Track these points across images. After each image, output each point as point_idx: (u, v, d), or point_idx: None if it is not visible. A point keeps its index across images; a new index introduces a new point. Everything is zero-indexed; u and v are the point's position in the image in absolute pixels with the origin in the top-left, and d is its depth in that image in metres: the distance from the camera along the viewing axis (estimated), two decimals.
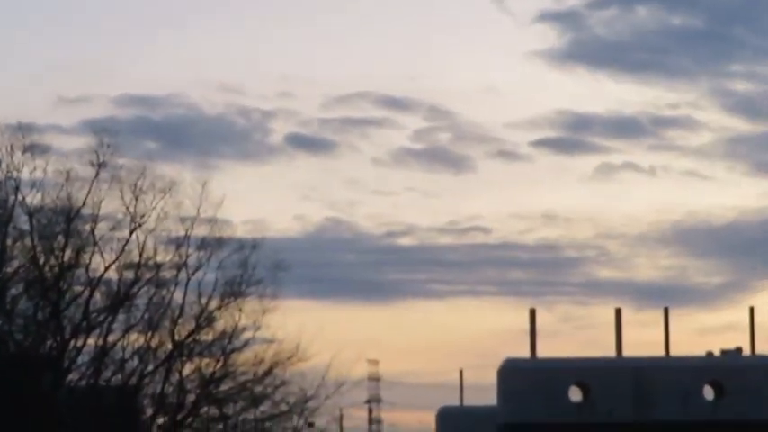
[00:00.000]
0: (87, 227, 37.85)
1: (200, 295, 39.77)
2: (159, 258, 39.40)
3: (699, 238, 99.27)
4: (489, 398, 42.20)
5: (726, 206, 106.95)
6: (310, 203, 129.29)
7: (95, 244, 37.94)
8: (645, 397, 38.20)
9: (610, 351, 39.18)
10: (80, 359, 37.65)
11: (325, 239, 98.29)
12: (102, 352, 38.03)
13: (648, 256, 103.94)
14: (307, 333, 41.12)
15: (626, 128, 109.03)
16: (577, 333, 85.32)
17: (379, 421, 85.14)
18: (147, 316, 39.03)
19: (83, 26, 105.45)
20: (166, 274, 39.53)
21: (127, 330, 38.90)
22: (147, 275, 38.64)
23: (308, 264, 75.03)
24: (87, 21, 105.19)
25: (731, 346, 41.13)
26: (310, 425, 43.94)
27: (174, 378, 39.91)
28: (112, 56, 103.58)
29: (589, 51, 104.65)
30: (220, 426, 42.34)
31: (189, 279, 39.92)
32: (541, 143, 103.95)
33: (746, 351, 40.38)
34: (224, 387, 40.71)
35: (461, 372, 58.14)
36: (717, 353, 40.93)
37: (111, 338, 38.38)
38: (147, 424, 40.13)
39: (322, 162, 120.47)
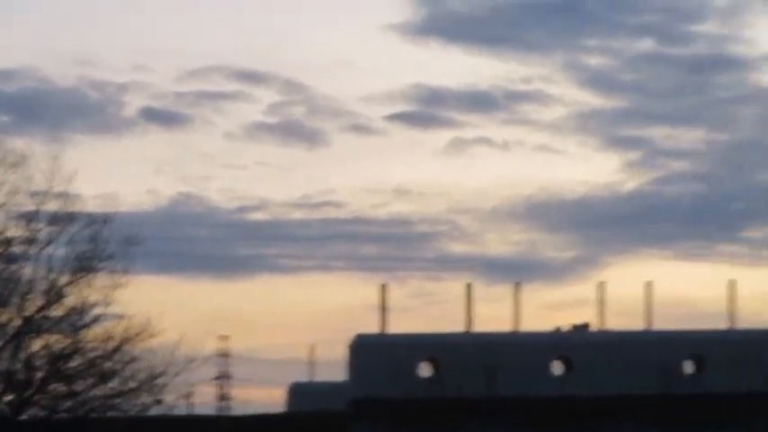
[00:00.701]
0: None
1: (50, 271, 39.14)
2: (9, 233, 38.82)
3: (550, 213, 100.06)
4: (341, 374, 42.52)
5: (577, 181, 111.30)
6: (163, 177, 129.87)
7: None
8: (494, 372, 38.98)
9: (461, 326, 39.79)
10: None
11: (177, 214, 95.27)
12: None
13: (500, 230, 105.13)
14: (157, 308, 40.37)
15: (480, 102, 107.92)
16: (429, 308, 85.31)
17: (229, 398, 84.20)
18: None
19: None
20: (16, 249, 38.94)
21: None
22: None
23: (160, 238, 72.79)
24: None
25: (581, 321, 42.29)
26: (159, 402, 43.33)
27: (23, 355, 39.38)
28: None
29: (444, 25, 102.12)
30: (69, 403, 41.71)
31: (39, 254, 39.42)
32: (396, 117, 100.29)
33: (595, 326, 41.64)
34: (73, 364, 39.42)
35: (312, 347, 59.38)
36: (566, 328, 42.10)
37: None
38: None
39: (175, 136, 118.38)
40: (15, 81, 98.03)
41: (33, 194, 39.15)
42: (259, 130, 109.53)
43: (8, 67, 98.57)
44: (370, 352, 39.53)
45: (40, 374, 39.49)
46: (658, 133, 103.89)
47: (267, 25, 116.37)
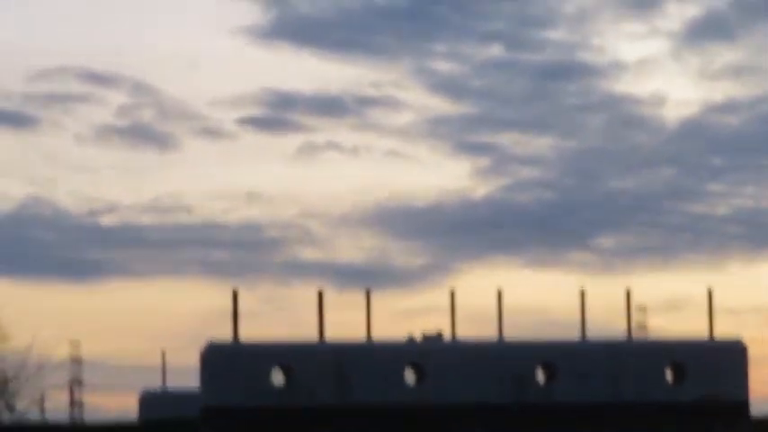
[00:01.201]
0: None
1: None
2: None
3: (400, 219, 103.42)
4: (193, 381, 42.27)
5: (428, 187, 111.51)
6: (11, 180, 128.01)
7: None
8: (346, 380, 39.12)
9: (312, 333, 39.84)
10: None
11: (25, 217, 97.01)
12: None
13: (351, 236, 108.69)
14: (7, 313, 39.88)
15: (330, 107, 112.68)
16: (280, 315, 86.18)
17: (81, 404, 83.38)
18: None
19: None
20: None
21: None
22: None
23: (9, 242, 74.56)
24: None
25: (432, 328, 42.78)
26: (10, 408, 42.78)
27: None
28: None
29: (293, 29, 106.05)
30: None
31: None
32: (245, 121, 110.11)
33: (447, 334, 42.19)
34: None
35: (163, 354, 59.60)
36: (418, 336, 42.58)
37: None
38: None
39: (23, 138, 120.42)
40: None
41: None
42: (109, 133, 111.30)
43: None
44: (222, 359, 39.24)
45: None
46: (508, 140, 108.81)
47: (116, 25, 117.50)
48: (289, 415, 38.99)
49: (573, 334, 42.32)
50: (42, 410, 56.43)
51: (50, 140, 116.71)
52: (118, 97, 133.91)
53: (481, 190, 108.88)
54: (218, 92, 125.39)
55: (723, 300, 45.80)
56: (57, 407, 66.21)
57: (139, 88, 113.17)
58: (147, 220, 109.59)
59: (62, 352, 64.33)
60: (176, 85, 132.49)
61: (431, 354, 41.22)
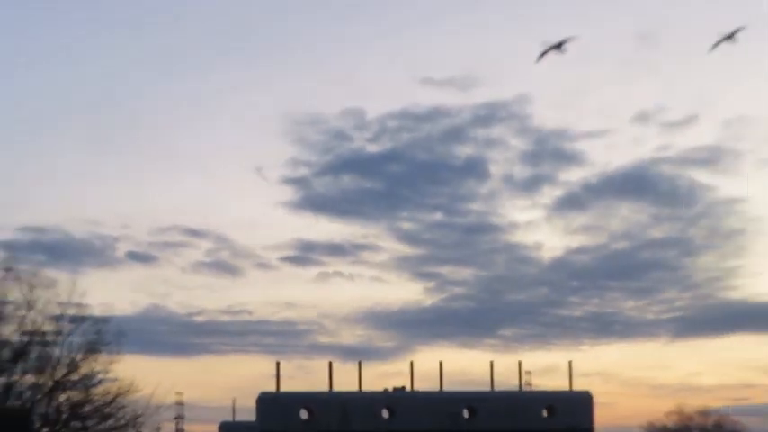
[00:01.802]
0: None
1: (70, 351, 60.81)
2: (44, 328, 60.24)
3: (380, 319, 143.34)
4: (252, 416, 66.48)
5: (396, 299, 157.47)
6: (140, 294, 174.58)
7: (2, 319, 58.61)
8: (347, 416, 62.77)
9: (325, 387, 64.00)
10: None
11: (150, 316, 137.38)
12: (8, 387, 58.57)
13: (349, 329, 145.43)
14: (138, 376, 63.18)
15: (335, 250, 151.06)
16: (306, 377, 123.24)
17: (183, 430, 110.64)
18: (36, 364, 59.76)
19: None
20: (49, 338, 60.37)
21: (24, 373, 59.46)
22: (37, 339, 59.61)
23: (139, 332, 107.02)
24: None
25: (399, 384, 66.91)
26: None
27: (54, 403, 60.50)
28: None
29: (313, 203, 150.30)
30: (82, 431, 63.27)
31: (64, 341, 61.05)
32: (284, 259, 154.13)
33: (408, 388, 66.18)
34: (85, 409, 61.54)
35: (234, 400, 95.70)
36: (390, 389, 66.73)
37: (14, 378, 58.92)
38: None
39: (148, 269, 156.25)
40: (48, 234, 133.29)
41: (59, 304, 61.34)
42: (200, 266, 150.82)
43: (43, 225, 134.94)
44: (269, 403, 62.37)
45: (64, 416, 61.30)
46: (446, 270, 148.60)
47: (205, 200, 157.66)
48: None
49: (486, 387, 66.23)
50: None
51: (164, 271, 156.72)
52: (206, 244, 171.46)
53: (429, 301, 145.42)
54: (267, 241, 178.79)
55: (578, 368, 69.61)
56: None
57: (219, 239, 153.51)
58: (224, 318, 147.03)
59: (171, 398, 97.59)
60: (242, 237, 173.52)
61: (398, 399, 64.69)
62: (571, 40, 50.65)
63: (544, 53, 51.45)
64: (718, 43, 50.75)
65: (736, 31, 50.01)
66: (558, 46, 51.35)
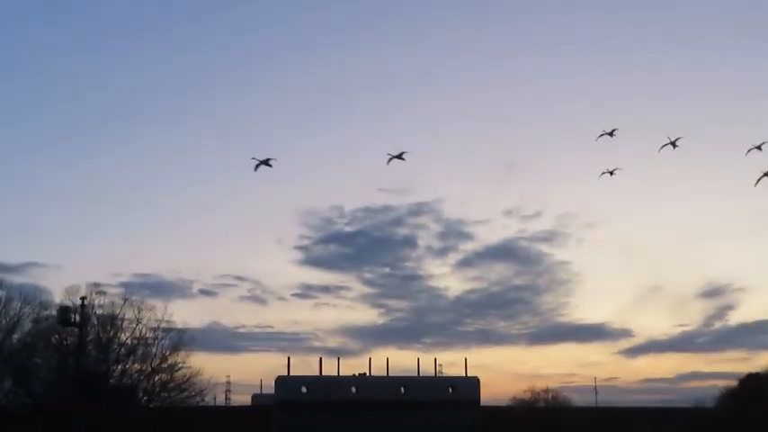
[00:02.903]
0: (118, 323, 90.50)
1: (163, 349, 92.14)
2: (147, 335, 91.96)
3: (352, 332, 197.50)
4: (272, 390, 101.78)
5: (362, 319, 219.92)
6: (204, 315, 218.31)
7: (121, 329, 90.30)
8: (331, 390, 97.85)
9: (316, 373, 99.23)
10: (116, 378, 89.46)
11: (208, 331, 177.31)
12: (123, 372, 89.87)
13: (333, 338, 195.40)
14: (203, 365, 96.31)
15: (325, 289, 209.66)
16: (306, 367, 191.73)
17: (229, 400, 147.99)
18: (141, 357, 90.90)
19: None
20: (149, 341, 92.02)
21: (133, 363, 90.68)
22: (142, 342, 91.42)
23: (203, 341, 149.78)
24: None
25: (362, 371, 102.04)
26: (203, 399, 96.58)
27: (151, 382, 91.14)
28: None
29: (312, 260, 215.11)
30: (168, 400, 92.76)
31: (158, 343, 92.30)
32: (294, 294, 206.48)
33: (368, 374, 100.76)
34: (170, 386, 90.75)
35: (261, 381, 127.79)
36: (358, 374, 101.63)
37: (127, 366, 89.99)
38: (141, 402, 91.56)
39: (210, 301, 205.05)
40: (150, 277, 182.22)
41: (156, 320, 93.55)
42: (245, 300, 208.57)
43: (147, 272, 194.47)
44: (284, 382, 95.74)
45: (157, 389, 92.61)
46: (391, 302, 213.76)
47: (247, 258, 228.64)
48: (310, 405, 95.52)
49: (414, 374, 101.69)
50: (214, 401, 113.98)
51: (221, 301, 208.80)
52: (247, 285, 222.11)
53: (381, 321, 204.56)
54: (283, 283, 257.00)
55: (470, 362, 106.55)
56: (218, 401, 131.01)
57: (255, 282, 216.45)
58: (256, 330, 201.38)
59: (223, 379, 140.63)
60: (269, 281, 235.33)
61: (362, 381, 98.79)
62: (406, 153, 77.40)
63: (391, 159, 77.59)
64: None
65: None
66: (400, 155, 77.58)
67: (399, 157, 77.03)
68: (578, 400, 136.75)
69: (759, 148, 77.27)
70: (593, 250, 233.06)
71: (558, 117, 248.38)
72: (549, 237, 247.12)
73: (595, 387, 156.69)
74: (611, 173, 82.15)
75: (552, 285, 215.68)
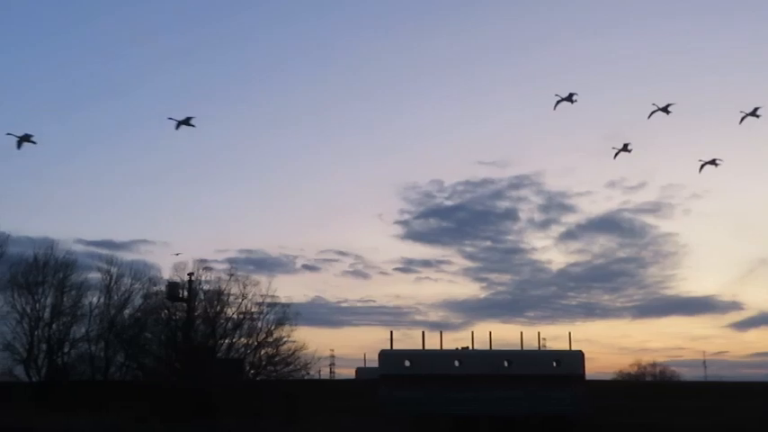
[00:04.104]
0: (224, 298, 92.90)
1: (267, 324, 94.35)
2: (252, 310, 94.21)
3: (454, 306, 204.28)
4: (375, 365, 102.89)
5: (463, 293, 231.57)
6: (311, 289, 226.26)
7: (227, 304, 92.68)
8: (431, 364, 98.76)
9: (419, 347, 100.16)
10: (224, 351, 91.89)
11: (312, 304, 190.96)
12: (230, 346, 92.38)
13: (435, 313, 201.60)
14: (307, 339, 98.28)
15: (426, 264, 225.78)
16: (408, 341, 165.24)
17: (334, 373, 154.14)
18: (247, 332, 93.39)
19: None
20: (255, 316, 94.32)
21: (239, 338, 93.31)
22: (248, 316, 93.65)
23: (308, 315, 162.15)
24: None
25: (464, 346, 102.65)
26: (308, 372, 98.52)
27: (257, 356, 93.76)
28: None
29: (413, 235, 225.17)
30: (275, 373, 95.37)
31: (264, 318, 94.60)
32: (396, 268, 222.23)
33: (470, 348, 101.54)
34: (276, 359, 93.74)
35: (365, 354, 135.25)
36: (460, 347, 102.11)
37: (234, 340, 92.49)
38: (248, 375, 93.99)
39: (314, 275, 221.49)
40: (255, 253, 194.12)
41: (261, 296, 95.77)
42: (347, 273, 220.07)
43: (252, 248, 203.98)
44: (387, 356, 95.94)
45: (263, 363, 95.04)
46: (493, 276, 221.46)
47: (350, 233, 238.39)
48: (413, 378, 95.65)
49: (518, 348, 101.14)
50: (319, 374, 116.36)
51: (324, 276, 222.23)
52: (349, 260, 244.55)
53: (482, 295, 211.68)
54: (385, 258, 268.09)
55: (574, 336, 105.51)
56: (322, 375, 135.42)
57: (357, 257, 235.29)
58: (359, 305, 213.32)
59: (327, 353, 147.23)
60: (371, 256, 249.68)
61: (464, 355, 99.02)
62: (576, 95, 73.96)
63: (558, 102, 73.54)
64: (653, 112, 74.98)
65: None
66: (569, 98, 73.61)
67: (569, 99, 73.19)
68: (686, 374, 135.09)
69: None
70: (700, 221, 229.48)
71: (662, 86, 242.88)
72: (654, 208, 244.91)
73: (704, 361, 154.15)
74: (714, 163, 76.89)
75: (658, 257, 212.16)
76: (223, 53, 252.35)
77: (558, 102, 71.60)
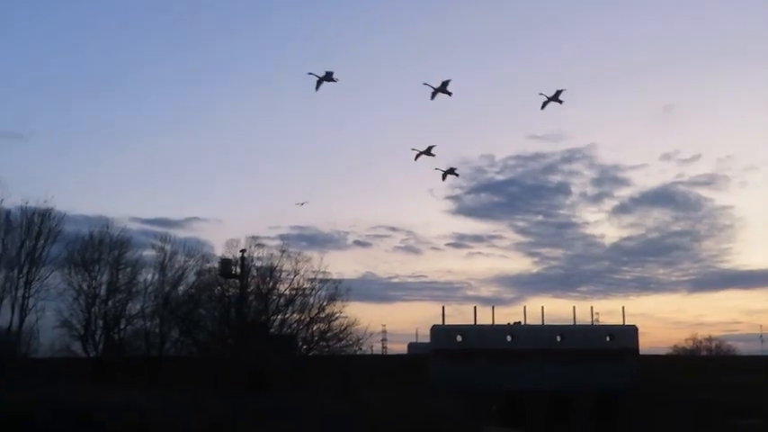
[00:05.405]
0: (277, 275, 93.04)
1: (319, 300, 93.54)
2: (304, 286, 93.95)
3: (506, 281, 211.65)
4: (427, 339, 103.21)
5: (515, 268, 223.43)
6: (360, 266, 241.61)
7: (279, 281, 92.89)
8: (483, 340, 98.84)
9: (470, 322, 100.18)
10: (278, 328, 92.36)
11: (362, 280, 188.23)
12: (282, 322, 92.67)
13: (486, 288, 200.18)
14: (359, 315, 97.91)
15: (478, 239, 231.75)
16: (459, 316, 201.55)
17: (386, 348, 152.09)
18: (299, 308, 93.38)
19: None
20: (307, 292, 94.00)
21: (292, 313, 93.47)
22: (300, 292, 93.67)
23: (358, 290, 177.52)
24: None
25: (517, 320, 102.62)
26: (360, 347, 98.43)
27: (309, 331, 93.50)
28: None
29: (464, 210, 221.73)
30: (327, 348, 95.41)
31: (315, 294, 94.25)
32: (449, 244, 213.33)
33: (523, 323, 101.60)
34: (328, 335, 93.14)
35: (417, 329, 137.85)
36: (512, 322, 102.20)
37: (286, 316, 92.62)
38: (300, 351, 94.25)
39: (364, 251, 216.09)
40: (307, 230, 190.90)
41: (313, 272, 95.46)
42: (398, 249, 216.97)
43: (304, 225, 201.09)
44: (439, 331, 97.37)
45: (315, 338, 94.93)
46: (545, 251, 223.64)
47: (401, 209, 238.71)
48: (465, 353, 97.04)
49: (570, 322, 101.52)
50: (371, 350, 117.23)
51: (375, 251, 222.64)
52: (400, 235, 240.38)
53: (535, 270, 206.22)
54: (437, 233, 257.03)
55: (628, 311, 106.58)
56: (374, 350, 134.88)
57: (408, 232, 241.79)
58: (410, 280, 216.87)
59: (379, 329, 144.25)
60: (422, 231, 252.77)
61: (516, 330, 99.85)
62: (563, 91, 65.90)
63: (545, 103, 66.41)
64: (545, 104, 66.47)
65: (559, 92, 65.70)
66: (556, 97, 65.91)
67: (556, 98, 67.05)
68: (743, 348, 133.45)
69: None
70: (756, 194, 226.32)
71: (717, 55, 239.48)
72: (709, 180, 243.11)
73: (761, 335, 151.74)
74: (557, 99, 69.60)
75: (713, 231, 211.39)
76: (259, 20, 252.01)
77: (546, 102, 67.36)
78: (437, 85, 66.25)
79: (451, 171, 78.13)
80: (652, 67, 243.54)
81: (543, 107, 67.10)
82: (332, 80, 65.13)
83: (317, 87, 64.63)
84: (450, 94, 66.80)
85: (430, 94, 66.88)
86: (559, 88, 66.94)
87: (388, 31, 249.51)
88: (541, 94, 66.84)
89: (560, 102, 67.28)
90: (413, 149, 73.32)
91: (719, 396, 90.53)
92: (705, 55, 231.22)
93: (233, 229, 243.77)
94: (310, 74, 65.15)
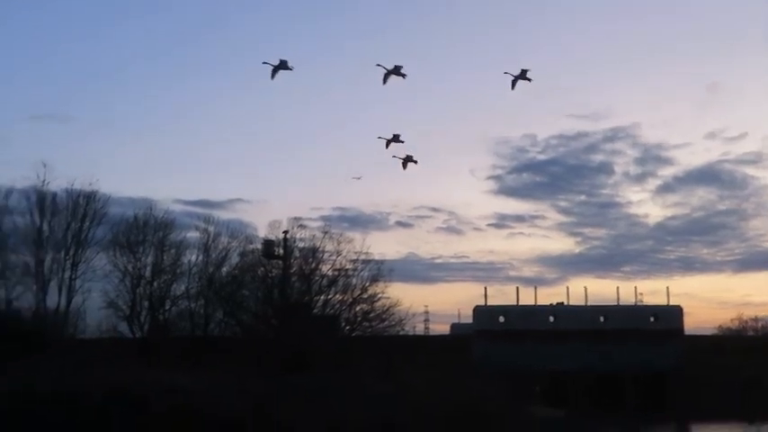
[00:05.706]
0: (319, 256, 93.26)
1: (362, 280, 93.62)
2: (347, 266, 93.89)
3: (547, 261, 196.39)
4: (470, 320, 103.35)
5: (556, 248, 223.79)
6: (404, 247, 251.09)
7: (322, 261, 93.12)
8: (525, 320, 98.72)
9: (513, 302, 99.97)
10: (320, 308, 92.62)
11: (406, 261, 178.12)
12: (325, 302, 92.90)
13: (527, 268, 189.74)
14: (401, 296, 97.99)
15: (520, 219, 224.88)
16: (502, 297, 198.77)
17: (428, 328, 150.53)
18: (342, 288, 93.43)
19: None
20: (349, 272, 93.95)
21: (335, 294, 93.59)
22: (342, 273, 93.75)
23: (402, 270, 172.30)
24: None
25: (559, 301, 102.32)
26: (402, 328, 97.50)
27: (352, 312, 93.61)
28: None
29: (505, 190, 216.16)
30: (369, 329, 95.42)
31: (358, 274, 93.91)
32: (490, 224, 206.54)
33: (566, 303, 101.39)
34: (371, 315, 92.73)
35: (459, 310, 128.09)
36: (555, 303, 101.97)
37: (329, 297, 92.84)
38: (343, 332, 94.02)
39: (406, 232, 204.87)
40: (349, 211, 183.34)
41: (355, 252, 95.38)
42: (442, 231, 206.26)
43: (347, 206, 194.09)
44: (482, 312, 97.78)
45: (358, 319, 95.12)
46: (588, 231, 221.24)
47: (443, 190, 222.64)
48: (508, 334, 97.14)
49: (614, 303, 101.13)
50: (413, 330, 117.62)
51: (418, 232, 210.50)
52: (442, 216, 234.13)
53: (577, 250, 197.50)
54: (478, 213, 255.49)
55: (672, 291, 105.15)
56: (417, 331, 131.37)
57: (450, 213, 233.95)
58: (452, 261, 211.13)
59: (421, 309, 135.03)
60: (464, 212, 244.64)
61: (559, 310, 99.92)
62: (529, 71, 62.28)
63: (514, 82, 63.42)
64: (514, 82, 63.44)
65: (524, 71, 62.87)
66: (523, 75, 62.57)
67: (523, 76, 63.26)
68: None
69: None
70: None
71: (765, 32, 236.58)
72: (755, 159, 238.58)
73: None
74: (398, 140, 67.61)
75: (760, 210, 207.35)
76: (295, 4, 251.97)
77: (514, 81, 64.80)
78: (390, 67, 63.30)
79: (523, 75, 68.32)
80: (697, 44, 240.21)
81: (513, 87, 63.89)
82: (287, 68, 64.33)
83: (273, 76, 64.01)
84: (404, 76, 63.51)
85: (382, 77, 63.04)
86: (524, 68, 63.69)
87: (429, 11, 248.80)
88: (506, 72, 64.14)
89: (529, 80, 64.06)
90: (379, 137, 70.51)
91: (765, 376, 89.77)
92: (752, 32, 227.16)
93: (275, 211, 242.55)
94: (265, 63, 64.45)
